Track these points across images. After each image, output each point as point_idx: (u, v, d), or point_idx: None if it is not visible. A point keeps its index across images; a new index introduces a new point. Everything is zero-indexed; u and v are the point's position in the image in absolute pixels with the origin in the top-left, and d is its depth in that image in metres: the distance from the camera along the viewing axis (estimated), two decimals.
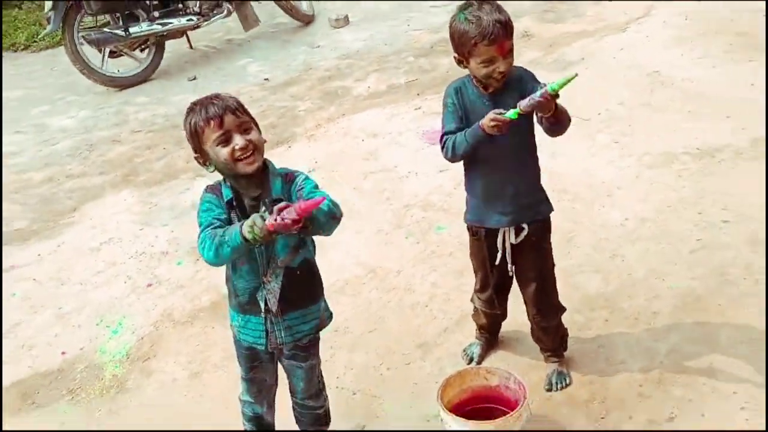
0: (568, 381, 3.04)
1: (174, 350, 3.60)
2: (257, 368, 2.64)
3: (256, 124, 2.36)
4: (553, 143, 4.69)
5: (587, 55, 6.06)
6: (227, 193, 2.35)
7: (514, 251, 2.86)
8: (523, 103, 2.49)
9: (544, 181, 2.92)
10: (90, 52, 6.69)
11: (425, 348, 3.35)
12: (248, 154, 2.25)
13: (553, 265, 3.00)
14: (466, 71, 2.70)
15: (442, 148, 2.74)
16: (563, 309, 3.06)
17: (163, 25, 6.79)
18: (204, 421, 3.17)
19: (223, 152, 2.24)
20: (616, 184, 4.33)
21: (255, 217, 2.13)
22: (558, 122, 2.61)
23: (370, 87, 6.16)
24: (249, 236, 2.11)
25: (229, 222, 2.29)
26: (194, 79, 6.90)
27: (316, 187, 2.37)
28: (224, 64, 7.17)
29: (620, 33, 6.37)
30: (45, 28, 6.89)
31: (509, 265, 2.89)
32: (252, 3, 7.42)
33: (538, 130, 2.73)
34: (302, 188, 2.35)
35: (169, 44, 7.17)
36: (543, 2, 7.40)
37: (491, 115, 2.53)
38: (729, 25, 6.14)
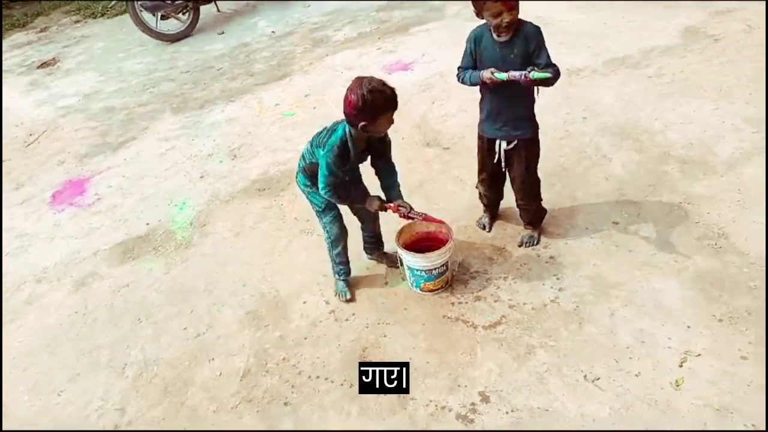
0: (535, 242, 2.95)
1: (221, 218, 3.57)
2: None
3: None
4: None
5: None
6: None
7: (507, 155, 2.71)
8: (512, 74, 2.37)
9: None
10: (147, 17, 6.30)
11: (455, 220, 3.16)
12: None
13: (536, 169, 2.79)
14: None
15: (458, 77, 2.60)
16: (540, 199, 2.91)
17: None
18: (241, 261, 3.20)
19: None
20: None
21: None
22: (537, 86, 2.47)
23: (345, 34, 5.86)
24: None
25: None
26: (222, 33, 6.51)
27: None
28: (242, 21, 6.75)
29: None
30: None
31: (502, 164, 2.75)
32: None
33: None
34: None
35: (203, 9, 6.75)
36: None
37: (487, 73, 2.42)
38: None
